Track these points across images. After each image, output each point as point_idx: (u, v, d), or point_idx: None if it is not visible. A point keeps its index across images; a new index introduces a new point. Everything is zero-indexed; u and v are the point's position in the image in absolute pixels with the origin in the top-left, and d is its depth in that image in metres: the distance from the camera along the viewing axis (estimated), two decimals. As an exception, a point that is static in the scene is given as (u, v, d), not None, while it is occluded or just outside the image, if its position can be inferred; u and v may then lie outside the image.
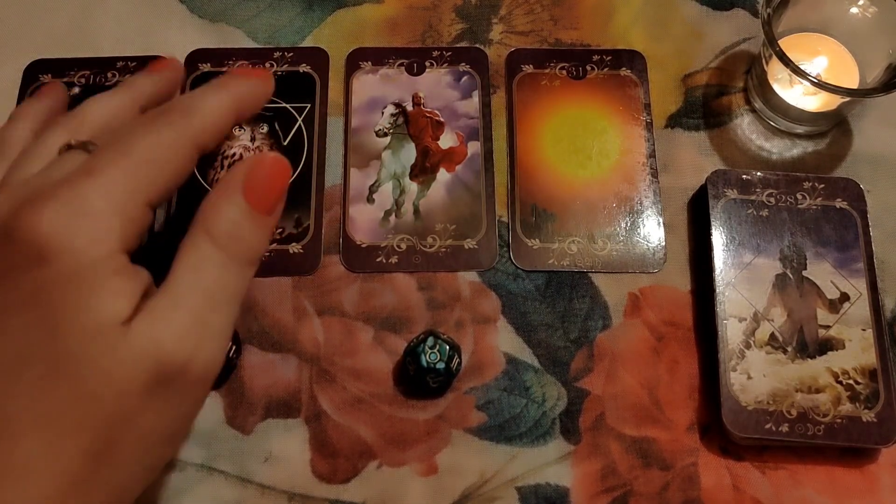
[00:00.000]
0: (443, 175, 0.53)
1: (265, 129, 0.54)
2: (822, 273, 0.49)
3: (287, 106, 0.55)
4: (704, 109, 0.55)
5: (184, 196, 0.52)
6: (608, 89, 0.55)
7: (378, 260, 0.51)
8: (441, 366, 0.46)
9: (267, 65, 0.56)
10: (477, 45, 0.57)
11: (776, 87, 0.53)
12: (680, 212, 0.53)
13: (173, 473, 0.46)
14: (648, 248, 0.51)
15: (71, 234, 0.31)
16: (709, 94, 0.56)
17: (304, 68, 0.56)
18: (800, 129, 0.54)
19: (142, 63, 0.56)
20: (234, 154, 0.53)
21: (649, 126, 0.54)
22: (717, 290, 0.48)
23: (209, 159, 0.53)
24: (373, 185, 0.53)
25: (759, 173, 0.51)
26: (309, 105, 0.55)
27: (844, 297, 0.48)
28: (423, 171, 0.53)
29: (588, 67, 0.56)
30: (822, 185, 0.51)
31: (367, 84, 0.55)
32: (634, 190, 0.53)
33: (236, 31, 0.57)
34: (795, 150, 0.54)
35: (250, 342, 0.49)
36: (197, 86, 0.55)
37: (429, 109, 0.55)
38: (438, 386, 0.47)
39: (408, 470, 0.46)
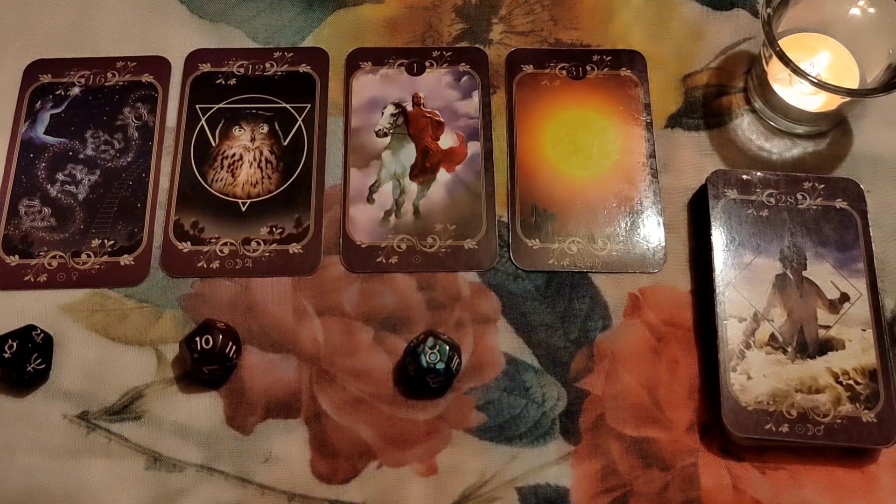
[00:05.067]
0: (443, 175, 0.53)
1: (265, 129, 0.54)
2: (822, 273, 0.49)
3: (287, 106, 0.55)
4: (704, 109, 0.55)
5: (185, 195, 0.52)
6: (608, 89, 0.55)
7: (378, 260, 0.51)
8: (441, 366, 0.46)
9: (267, 65, 0.56)
10: (477, 45, 0.57)
11: (776, 87, 0.53)
12: (680, 212, 0.53)
13: (173, 474, 0.46)
14: (648, 248, 0.51)
15: None
16: (709, 94, 0.56)
17: (304, 68, 0.56)
18: (800, 129, 0.54)
19: (142, 63, 0.56)
20: (233, 154, 0.53)
21: (649, 126, 0.54)
22: (717, 291, 0.48)
23: (208, 158, 0.53)
24: (373, 185, 0.53)
25: (759, 173, 0.51)
26: (309, 105, 0.55)
27: (844, 298, 0.48)
28: (423, 171, 0.53)
29: (588, 67, 0.56)
30: (822, 185, 0.51)
31: (367, 84, 0.55)
32: (634, 190, 0.53)
33: (236, 31, 0.57)
34: (795, 150, 0.54)
35: (250, 342, 0.49)
36: (196, 86, 0.55)
37: (429, 109, 0.55)
38: (438, 386, 0.47)
39: (408, 470, 0.46)
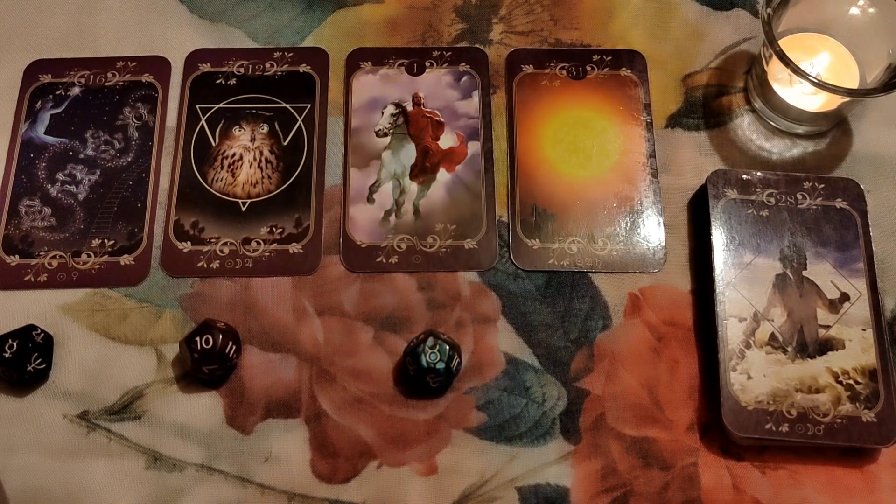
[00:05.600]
0: (443, 175, 0.53)
1: (265, 129, 0.54)
2: (822, 273, 0.49)
3: (287, 106, 0.55)
4: (704, 109, 0.55)
5: (185, 195, 0.52)
6: (608, 89, 0.55)
7: (378, 260, 0.51)
8: (441, 366, 0.46)
9: (267, 65, 0.56)
10: (477, 45, 0.57)
11: (776, 87, 0.53)
12: (680, 212, 0.53)
13: (173, 473, 0.46)
14: (648, 248, 0.51)
15: None
16: (709, 94, 0.56)
17: (304, 68, 0.56)
18: (800, 129, 0.54)
19: (142, 63, 0.56)
20: (233, 154, 0.53)
21: (649, 126, 0.54)
22: (717, 290, 0.48)
23: (208, 158, 0.53)
24: (373, 185, 0.53)
25: (759, 173, 0.51)
26: (309, 105, 0.55)
27: (844, 297, 0.48)
28: (423, 171, 0.53)
29: (588, 67, 0.56)
30: (822, 185, 0.51)
31: (367, 84, 0.55)
32: (634, 190, 0.53)
33: (236, 31, 0.57)
34: (795, 150, 0.54)
35: (250, 342, 0.49)
36: (196, 86, 0.55)
37: (429, 109, 0.55)
38: (438, 386, 0.47)
39: (408, 470, 0.46)
